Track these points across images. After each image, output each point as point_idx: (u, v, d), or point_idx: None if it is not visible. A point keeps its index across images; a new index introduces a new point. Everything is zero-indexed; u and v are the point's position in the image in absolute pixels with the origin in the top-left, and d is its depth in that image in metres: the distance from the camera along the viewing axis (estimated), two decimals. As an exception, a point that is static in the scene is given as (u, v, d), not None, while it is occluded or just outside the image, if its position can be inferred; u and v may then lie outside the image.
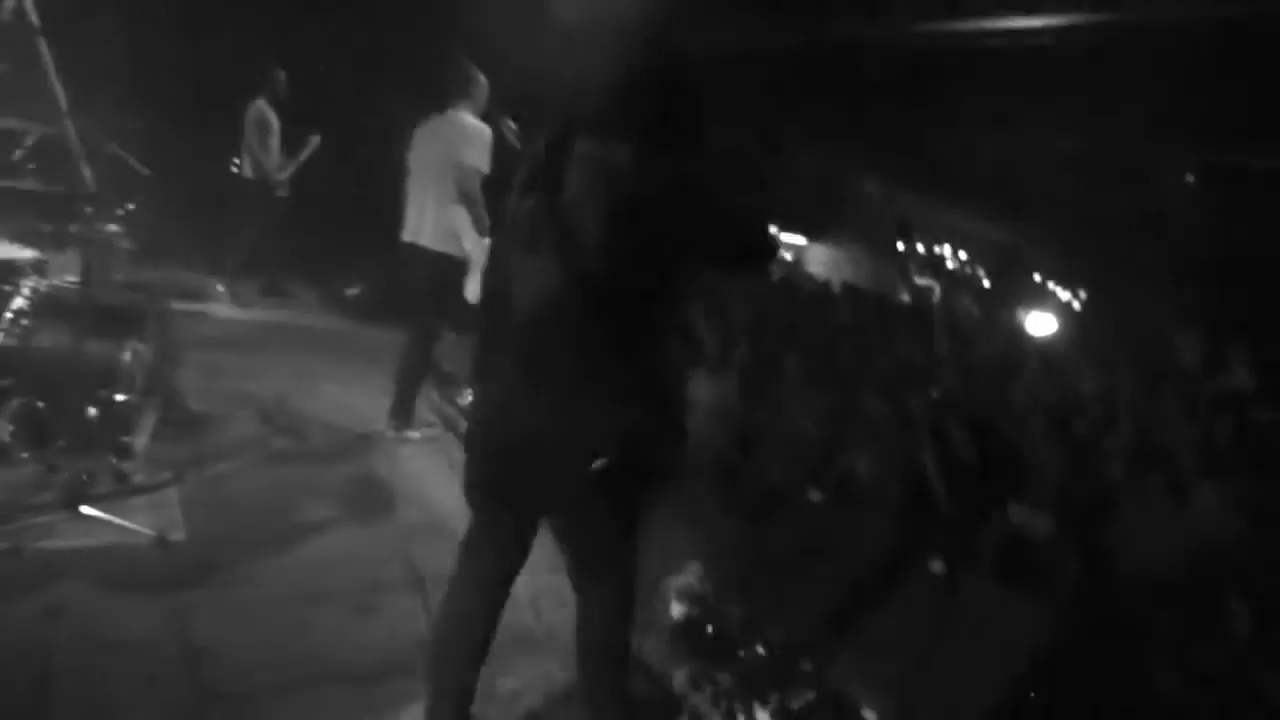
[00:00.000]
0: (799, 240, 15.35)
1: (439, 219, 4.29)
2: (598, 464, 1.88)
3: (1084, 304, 12.78)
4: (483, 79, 4.43)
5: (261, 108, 6.59)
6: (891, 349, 7.31)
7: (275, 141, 6.67)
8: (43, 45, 2.97)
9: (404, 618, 2.95)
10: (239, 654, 2.59)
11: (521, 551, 2.21)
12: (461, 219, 4.23)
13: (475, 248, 4.21)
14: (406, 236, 4.41)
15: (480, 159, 4.18)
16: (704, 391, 5.90)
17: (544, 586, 3.13)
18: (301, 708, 2.44)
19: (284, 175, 6.82)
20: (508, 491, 2.08)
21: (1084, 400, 5.57)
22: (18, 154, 3.56)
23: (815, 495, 4.60)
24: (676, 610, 3.52)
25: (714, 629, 3.46)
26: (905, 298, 12.66)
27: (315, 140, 6.83)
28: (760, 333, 7.44)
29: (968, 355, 7.80)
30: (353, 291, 7.39)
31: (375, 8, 6.94)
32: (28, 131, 3.58)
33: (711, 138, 2.06)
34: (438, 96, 4.39)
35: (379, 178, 4.94)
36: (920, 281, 13.29)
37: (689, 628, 3.46)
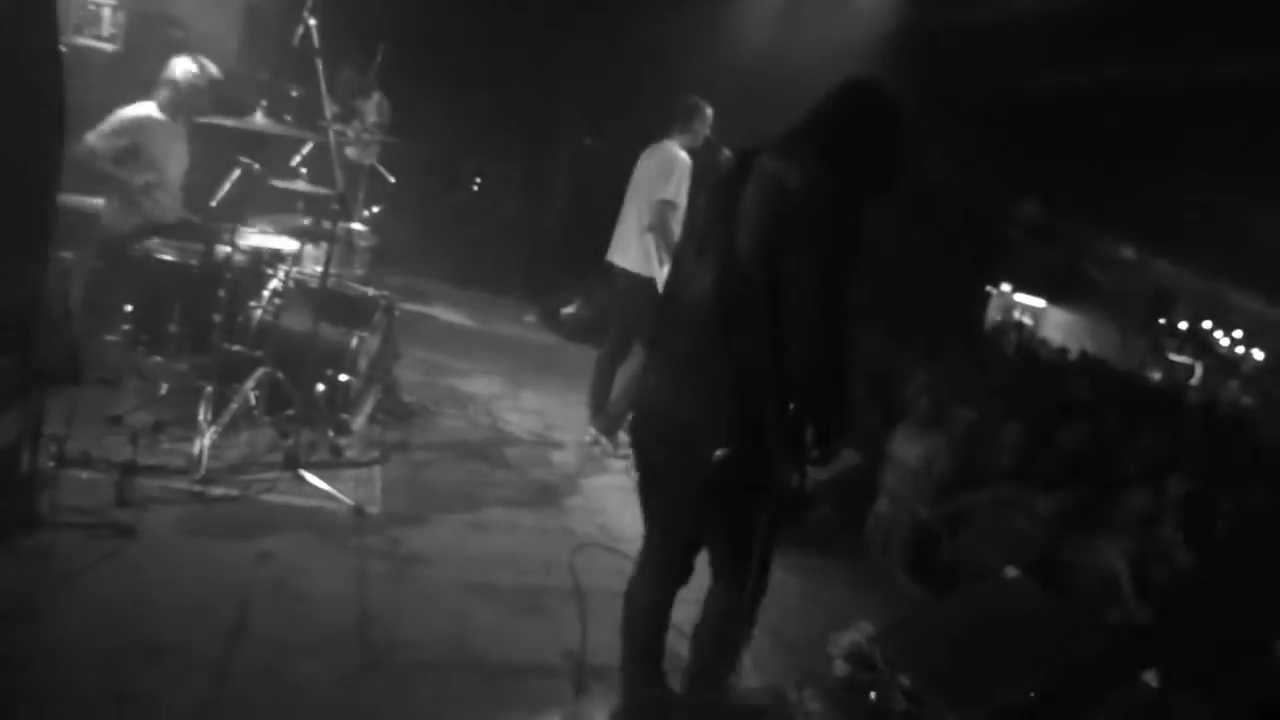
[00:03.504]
0: (1037, 302, 14.25)
1: (636, 243, 4.48)
2: (721, 452, 2.01)
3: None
4: (707, 109, 4.54)
5: None
6: (1134, 431, 6.54)
7: None
8: (319, 65, 3.42)
9: (560, 625, 3.01)
10: (406, 627, 2.76)
11: (684, 529, 2.31)
12: (654, 245, 4.37)
13: (665, 272, 4.33)
14: (609, 257, 4.63)
15: (672, 192, 4.30)
16: (907, 449, 5.60)
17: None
18: (451, 688, 2.55)
19: None
20: (659, 468, 2.25)
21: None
22: (295, 160, 4.11)
23: (1013, 573, 4.19)
24: (839, 668, 3.33)
25: (877, 696, 3.23)
26: (1156, 375, 11.33)
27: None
28: (982, 395, 6.95)
29: (1229, 448, 6.84)
30: (568, 310, 7.77)
31: (608, 38, 7.34)
32: (305, 140, 4.13)
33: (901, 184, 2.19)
34: (660, 124, 4.56)
35: (605, 201, 5.18)
36: (1177, 359, 11.84)
37: (851, 688, 3.25)
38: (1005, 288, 13.83)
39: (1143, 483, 4.89)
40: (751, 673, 3.16)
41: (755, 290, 1.98)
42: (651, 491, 2.33)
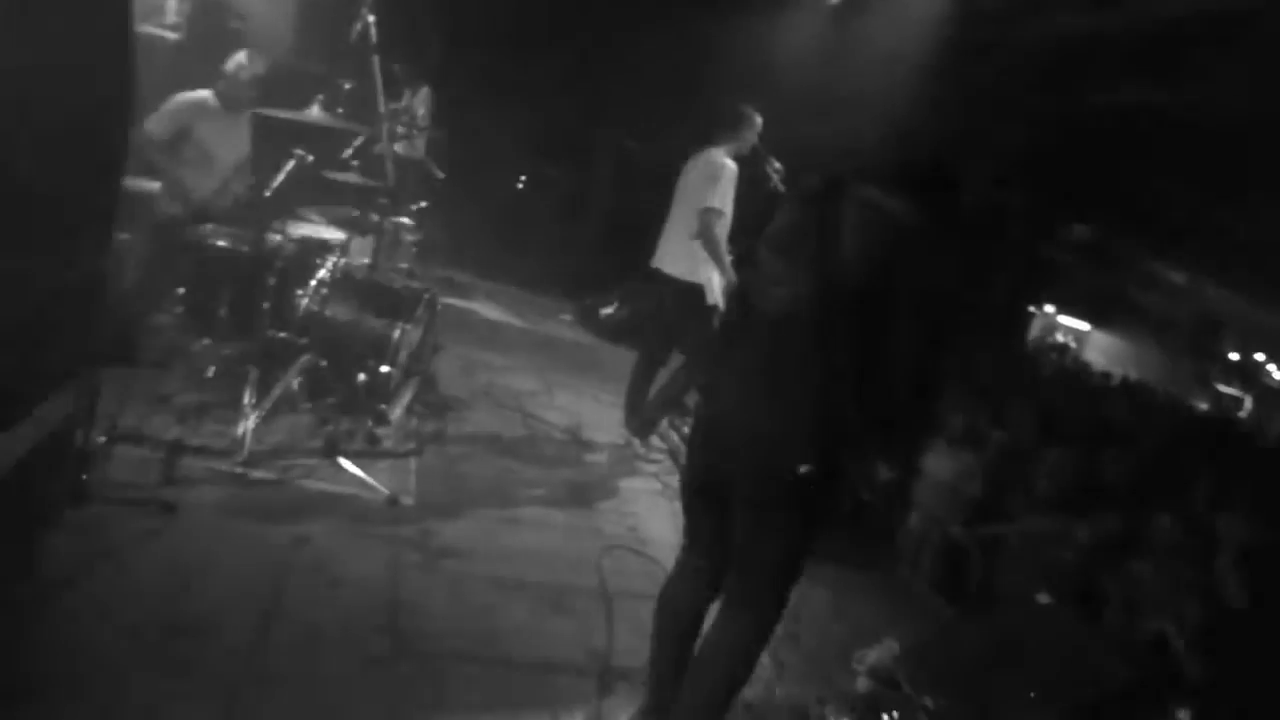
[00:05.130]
0: (1080, 324, 13.99)
1: (680, 249, 4.48)
2: (805, 467, 2.04)
3: None
4: (756, 117, 4.53)
5: None
6: (1177, 461, 6.38)
7: None
8: (375, 61, 3.48)
9: (586, 625, 3.03)
10: (435, 617, 2.80)
11: (726, 548, 2.30)
12: (700, 252, 4.37)
13: (710, 279, 4.33)
14: (654, 262, 4.63)
15: (719, 200, 4.28)
16: (940, 465, 5.53)
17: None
18: (477, 681, 2.57)
19: None
20: (721, 475, 2.22)
21: None
22: (346, 152, 4.18)
23: (1046, 599, 4.12)
24: (862, 684, 3.30)
25: (900, 716, 3.20)
26: (1202, 406, 11.05)
27: None
28: (1018, 415, 6.84)
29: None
30: (607, 311, 7.80)
31: (661, 43, 7.36)
32: (357, 133, 4.20)
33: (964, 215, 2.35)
34: (707, 130, 4.56)
35: (651, 204, 5.20)
36: (1225, 390, 11.54)
37: (872, 705, 3.22)
38: (1048, 309, 13.63)
39: (1176, 512, 4.78)
40: (775, 684, 3.16)
41: (855, 308, 2.06)
42: (710, 501, 2.29)
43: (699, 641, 2.33)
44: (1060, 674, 3.30)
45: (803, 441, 2.07)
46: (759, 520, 2.19)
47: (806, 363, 2.08)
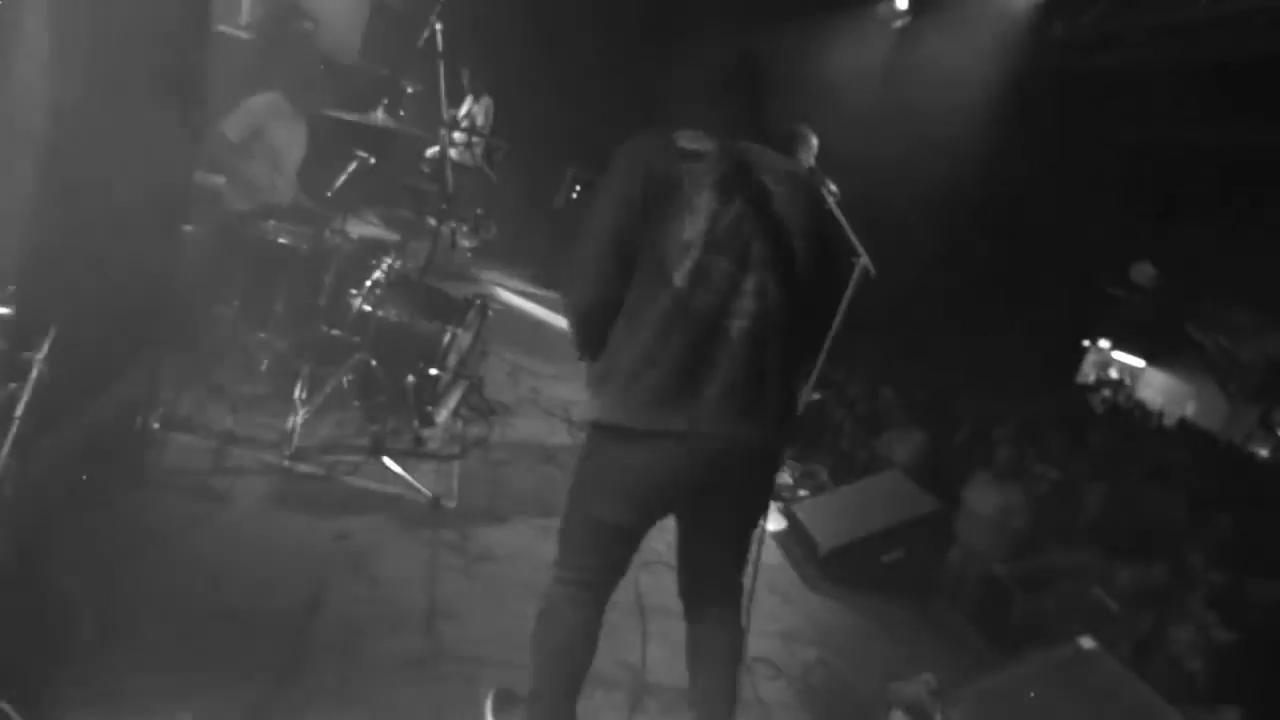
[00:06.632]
0: (1136, 361, 13.63)
1: None
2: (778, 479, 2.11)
3: None
4: (812, 138, 4.50)
5: None
6: (1231, 509, 6.17)
7: None
8: (441, 68, 3.54)
9: (620, 639, 3.00)
10: (471, 622, 2.81)
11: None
12: None
13: None
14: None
15: None
16: (984, 499, 5.42)
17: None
18: (513, 687, 2.57)
19: None
20: (691, 495, 2.15)
21: None
22: (419, 159, 4.25)
23: (1089, 644, 4.00)
24: (897, 718, 3.24)
25: (935, 754, 3.13)
26: (1262, 452, 10.68)
27: None
28: (1067, 451, 6.69)
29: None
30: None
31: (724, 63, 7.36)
32: (418, 137, 4.27)
33: None
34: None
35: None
36: (1286, 435, 11.15)
37: (906, 742, 3.16)
38: (1103, 344, 13.32)
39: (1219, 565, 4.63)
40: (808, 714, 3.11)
41: (831, 303, 2.26)
42: (643, 529, 2.23)
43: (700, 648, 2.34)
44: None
45: (790, 431, 2.11)
46: (749, 520, 2.27)
47: (787, 363, 2.01)
